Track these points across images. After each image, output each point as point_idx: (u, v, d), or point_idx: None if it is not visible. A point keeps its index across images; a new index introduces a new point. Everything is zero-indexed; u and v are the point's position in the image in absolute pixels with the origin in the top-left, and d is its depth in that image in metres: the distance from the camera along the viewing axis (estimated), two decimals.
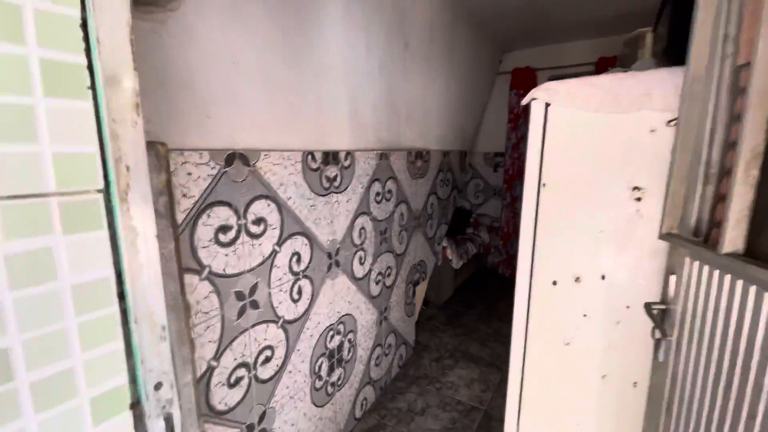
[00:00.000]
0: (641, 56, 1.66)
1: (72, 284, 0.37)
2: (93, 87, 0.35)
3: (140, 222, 0.40)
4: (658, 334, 0.89)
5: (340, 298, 1.74)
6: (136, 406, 0.41)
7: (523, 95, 3.29)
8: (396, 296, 2.29)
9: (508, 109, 3.87)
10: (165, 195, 0.43)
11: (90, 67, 0.35)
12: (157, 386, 0.42)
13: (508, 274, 3.99)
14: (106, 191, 0.38)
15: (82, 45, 0.34)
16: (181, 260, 0.46)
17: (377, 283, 2.05)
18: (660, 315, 0.88)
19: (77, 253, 0.37)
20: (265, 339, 1.33)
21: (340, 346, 1.79)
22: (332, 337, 1.72)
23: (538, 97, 1.18)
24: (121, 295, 0.39)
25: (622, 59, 2.21)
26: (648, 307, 0.86)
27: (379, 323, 2.13)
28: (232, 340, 1.20)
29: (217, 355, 1.15)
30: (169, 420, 0.43)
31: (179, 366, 0.46)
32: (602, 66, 3.25)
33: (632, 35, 1.76)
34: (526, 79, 3.73)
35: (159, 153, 0.41)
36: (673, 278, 0.82)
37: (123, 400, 0.40)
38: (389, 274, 2.17)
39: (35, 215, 0.36)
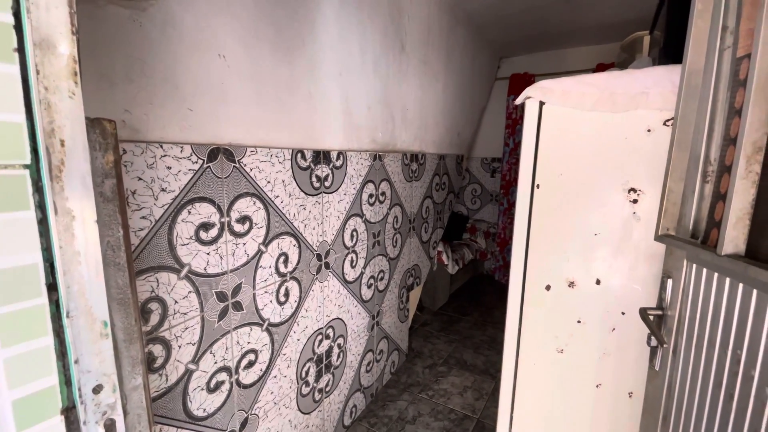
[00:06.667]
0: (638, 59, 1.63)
1: None
2: (21, 50, 0.31)
3: (77, 204, 0.35)
4: (654, 342, 0.85)
5: (329, 301, 1.69)
6: (69, 410, 0.36)
7: None
8: (389, 301, 2.24)
9: (506, 115, 3.86)
10: (112, 177, 0.39)
11: (18, 28, 0.31)
12: (96, 389, 0.38)
13: (504, 281, 3.95)
14: (35, 167, 0.34)
15: (9, 2, 0.31)
16: (131, 250, 0.42)
17: (369, 286, 2.00)
18: (656, 321, 0.84)
19: None
20: (249, 342, 1.28)
21: (329, 351, 1.74)
22: (321, 341, 1.67)
23: (532, 95, 1.15)
24: (54, 287, 0.35)
25: (619, 65, 2.19)
26: (644, 312, 0.82)
27: (370, 328, 2.08)
28: (213, 343, 1.15)
29: (196, 359, 1.11)
30: (110, 427, 0.38)
31: (127, 367, 0.41)
32: (601, 72, 3.25)
33: (629, 39, 1.74)
34: (524, 85, 3.72)
35: (105, 131, 0.37)
36: (669, 282, 0.78)
37: (53, 403, 0.36)
38: (382, 278, 2.13)
39: None
